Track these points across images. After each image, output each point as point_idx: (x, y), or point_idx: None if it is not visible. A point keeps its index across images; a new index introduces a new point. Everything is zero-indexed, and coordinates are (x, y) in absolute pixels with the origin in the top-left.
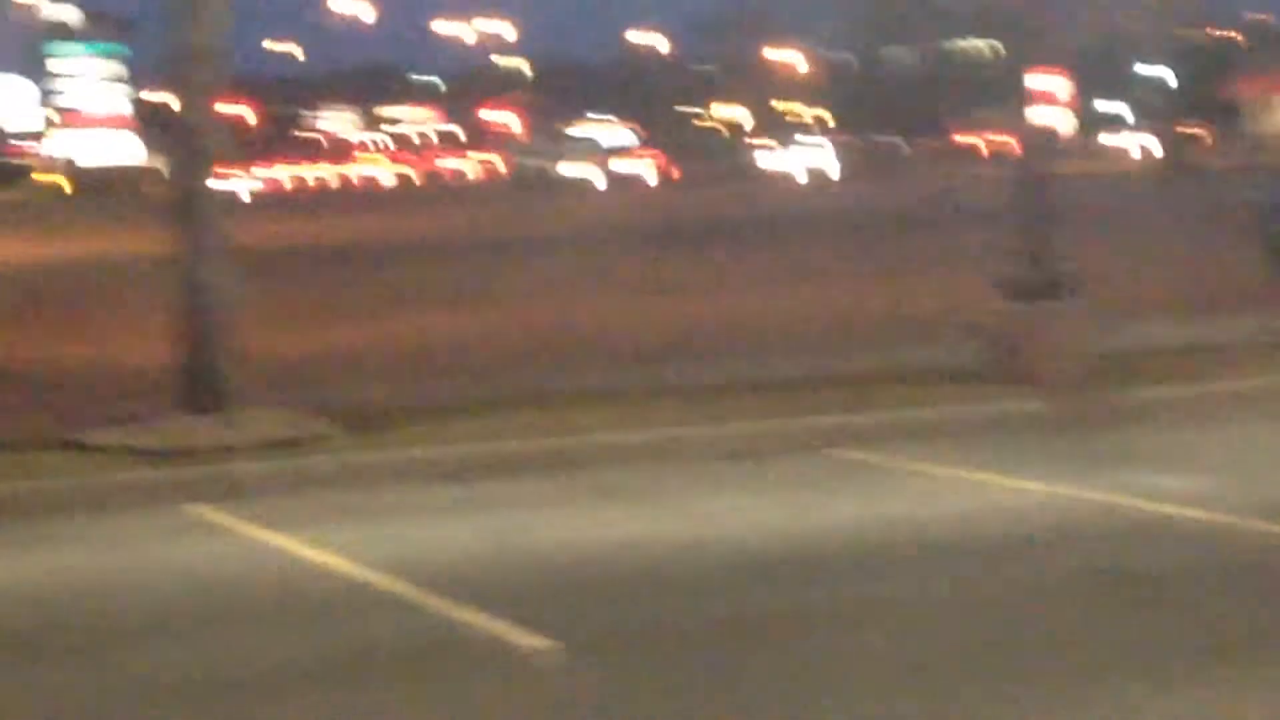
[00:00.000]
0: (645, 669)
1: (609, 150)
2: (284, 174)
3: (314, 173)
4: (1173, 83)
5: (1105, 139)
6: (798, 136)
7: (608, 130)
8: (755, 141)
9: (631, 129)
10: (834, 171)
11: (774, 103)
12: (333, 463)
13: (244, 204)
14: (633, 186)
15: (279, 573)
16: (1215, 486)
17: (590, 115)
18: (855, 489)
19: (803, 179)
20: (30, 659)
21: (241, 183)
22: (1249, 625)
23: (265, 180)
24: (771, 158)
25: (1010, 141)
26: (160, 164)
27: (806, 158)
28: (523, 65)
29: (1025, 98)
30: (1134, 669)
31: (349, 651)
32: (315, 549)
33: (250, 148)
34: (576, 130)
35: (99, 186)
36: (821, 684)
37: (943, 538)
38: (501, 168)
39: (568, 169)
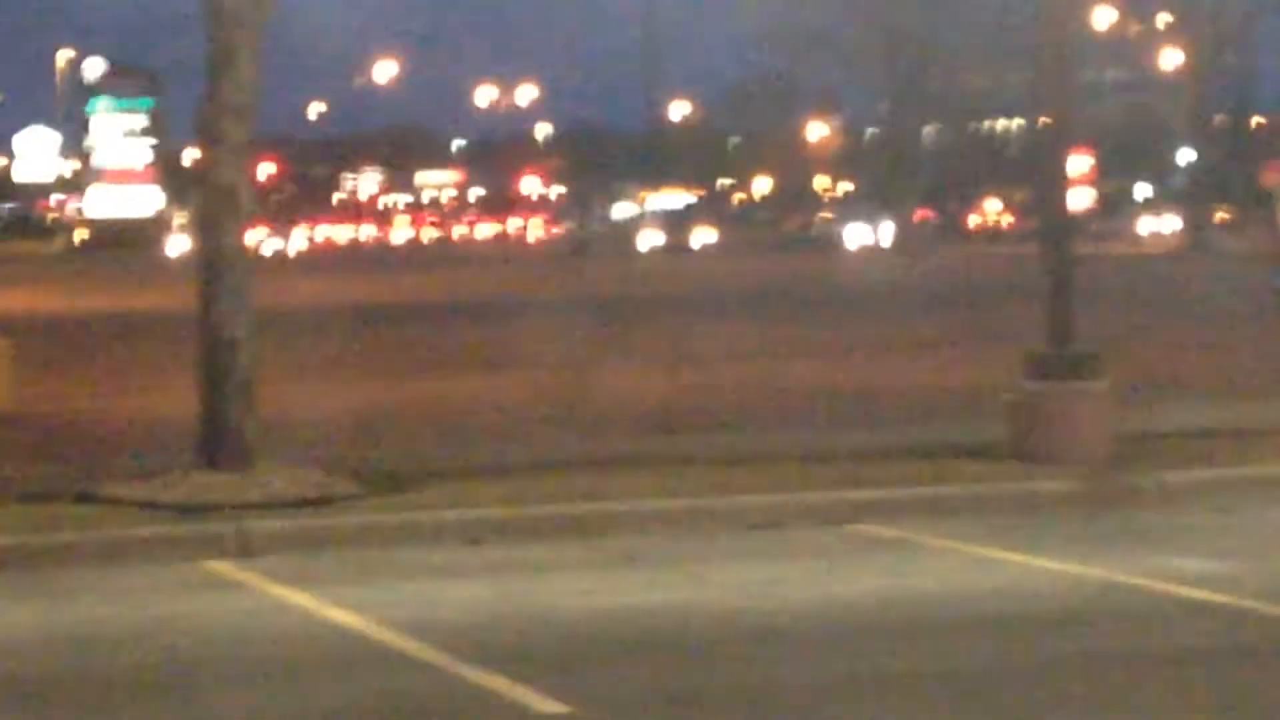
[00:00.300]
0: None
1: (682, 217)
2: (323, 233)
3: (352, 232)
4: (1201, 166)
5: (1136, 221)
6: (851, 209)
7: (677, 198)
8: (823, 214)
9: (698, 196)
10: (886, 242)
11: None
12: (354, 522)
13: (284, 260)
14: (702, 253)
15: (296, 630)
16: (1237, 570)
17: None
18: (878, 564)
19: (854, 248)
20: (38, 711)
21: (278, 240)
22: (1268, 707)
23: (306, 239)
24: (828, 228)
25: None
26: (176, 215)
27: (860, 230)
28: (549, 129)
29: (1056, 178)
30: None
31: (365, 711)
32: (334, 607)
33: (285, 207)
34: (654, 198)
35: (109, 240)
36: None
37: (963, 615)
38: (538, 232)
39: (648, 237)
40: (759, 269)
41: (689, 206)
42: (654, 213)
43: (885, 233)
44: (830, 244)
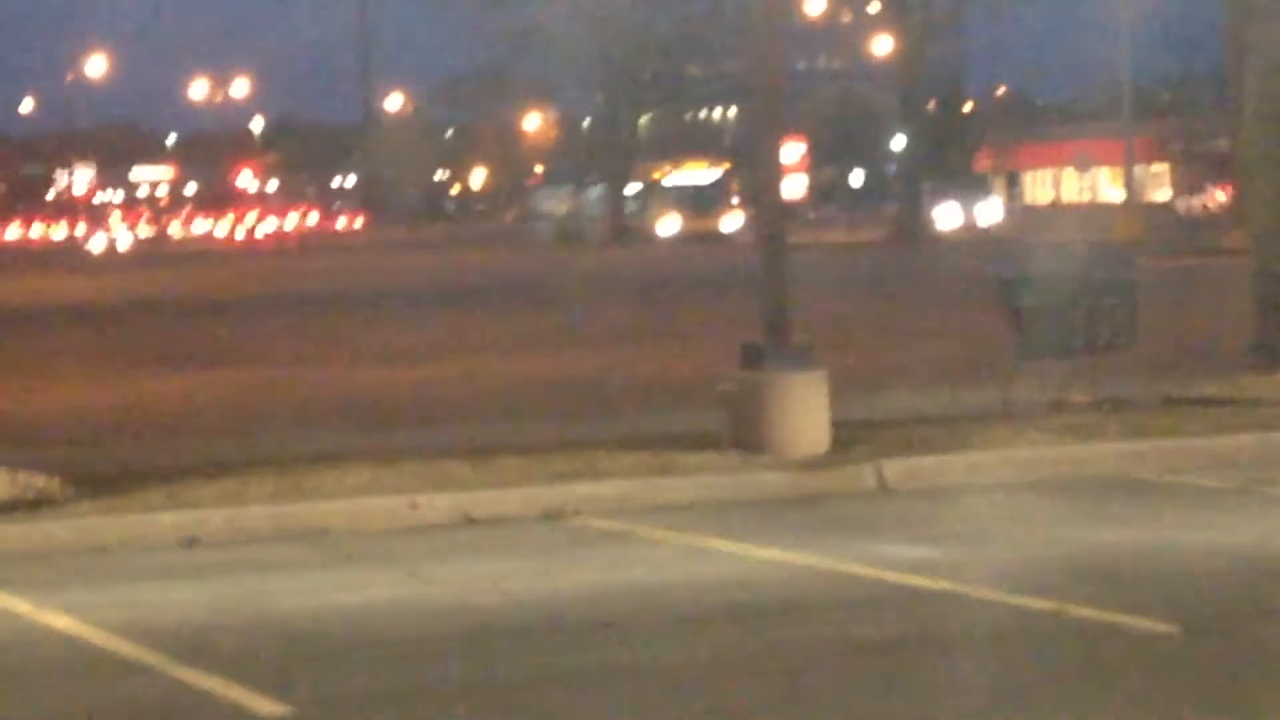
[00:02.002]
0: None
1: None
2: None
3: (60, 231)
4: (913, 152)
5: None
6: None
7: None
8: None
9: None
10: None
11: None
12: (70, 524)
13: None
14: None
15: (12, 636)
16: (954, 557)
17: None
18: (600, 557)
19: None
20: None
21: None
22: (981, 691)
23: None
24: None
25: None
26: None
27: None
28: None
29: (768, 167)
30: None
31: (83, 715)
32: (51, 612)
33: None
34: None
35: None
36: None
37: (683, 606)
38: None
39: (667, 224)
40: (480, 261)
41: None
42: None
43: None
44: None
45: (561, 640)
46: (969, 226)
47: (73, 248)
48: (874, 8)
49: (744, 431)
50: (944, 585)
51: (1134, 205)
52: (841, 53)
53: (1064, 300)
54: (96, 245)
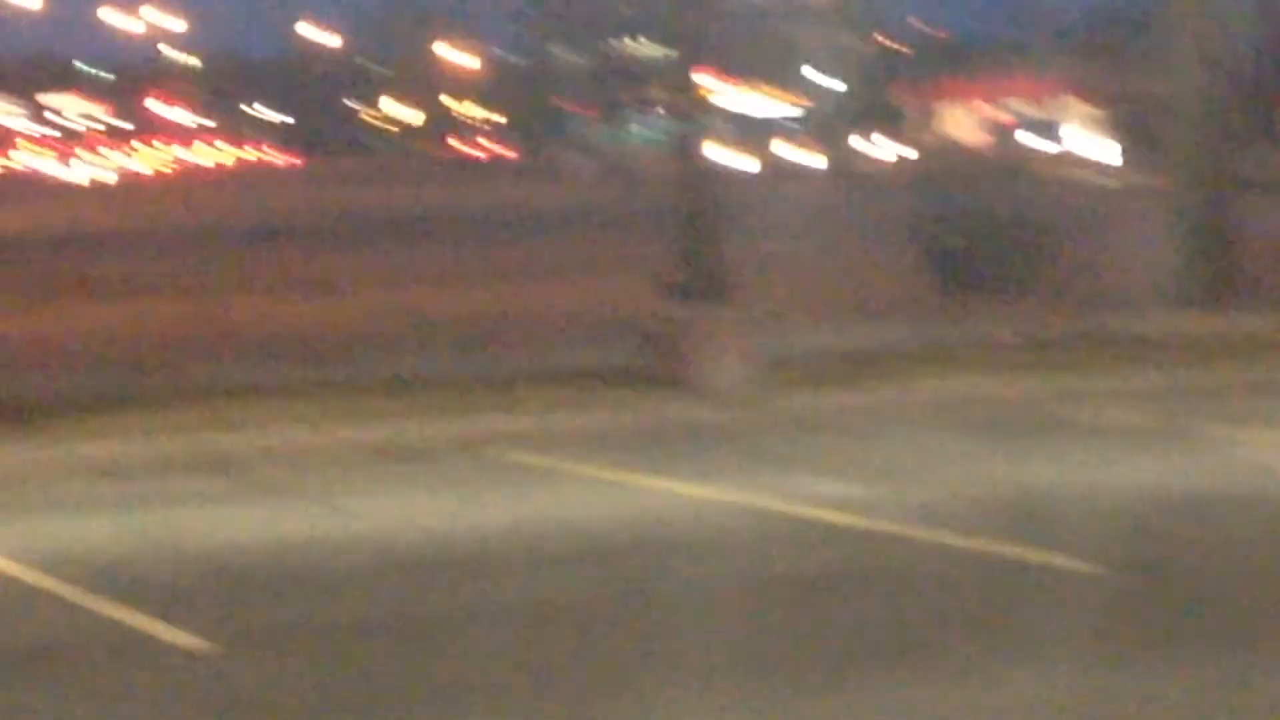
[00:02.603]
0: (292, 667)
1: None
2: None
3: None
4: (843, 90)
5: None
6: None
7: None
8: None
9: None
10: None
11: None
12: None
13: None
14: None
15: None
16: (873, 493)
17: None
18: (515, 491)
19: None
20: None
21: None
22: (891, 628)
23: None
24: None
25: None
26: None
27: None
28: (191, 58)
29: (689, 101)
30: (773, 671)
31: None
32: None
33: None
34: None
35: None
36: (467, 682)
37: (597, 540)
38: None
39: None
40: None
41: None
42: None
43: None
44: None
45: (480, 575)
46: (900, 161)
47: None
48: None
49: (667, 367)
50: (864, 521)
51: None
52: None
53: (990, 239)
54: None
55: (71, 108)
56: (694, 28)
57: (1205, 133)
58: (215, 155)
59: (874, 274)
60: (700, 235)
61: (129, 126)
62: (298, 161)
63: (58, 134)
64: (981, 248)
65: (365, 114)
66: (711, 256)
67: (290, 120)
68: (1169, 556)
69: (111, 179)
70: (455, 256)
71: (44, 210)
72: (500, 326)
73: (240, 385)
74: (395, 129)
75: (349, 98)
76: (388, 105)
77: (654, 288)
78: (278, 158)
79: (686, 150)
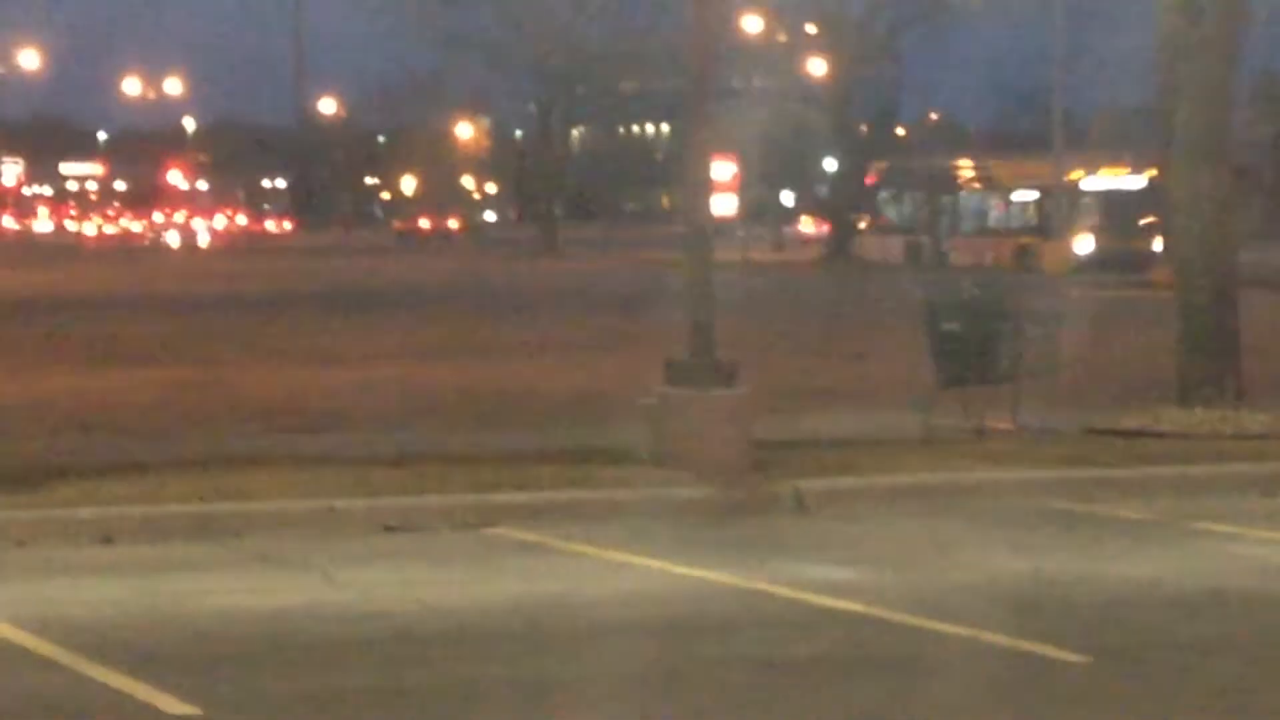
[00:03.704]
0: None
1: None
2: None
3: None
4: (843, 174)
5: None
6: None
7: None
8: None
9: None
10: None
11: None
12: None
13: None
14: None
15: None
16: (870, 579)
17: None
18: (515, 568)
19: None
20: None
21: None
22: (878, 714)
23: None
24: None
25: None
26: None
27: None
28: (193, 123)
29: (697, 183)
30: None
31: None
32: None
33: None
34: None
35: None
36: None
37: (596, 620)
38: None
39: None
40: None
41: None
42: None
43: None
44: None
45: (475, 651)
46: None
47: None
48: (811, 30)
49: (664, 447)
50: (858, 607)
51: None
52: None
53: (988, 327)
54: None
55: (88, 173)
56: (704, 113)
57: (1211, 228)
58: (226, 222)
59: (878, 359)
60: (702, 314)
61: (143, 193)
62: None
63: (75, 200)
64: (983, 335)
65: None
66: (710, 338)
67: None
68: (1161, 649)
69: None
70: (458, 329)
71: (63, 273)
72: (503, 402)
73: (242, 454)
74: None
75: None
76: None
77: (656, 367)
78: (284, 226)
79: (689, 230)
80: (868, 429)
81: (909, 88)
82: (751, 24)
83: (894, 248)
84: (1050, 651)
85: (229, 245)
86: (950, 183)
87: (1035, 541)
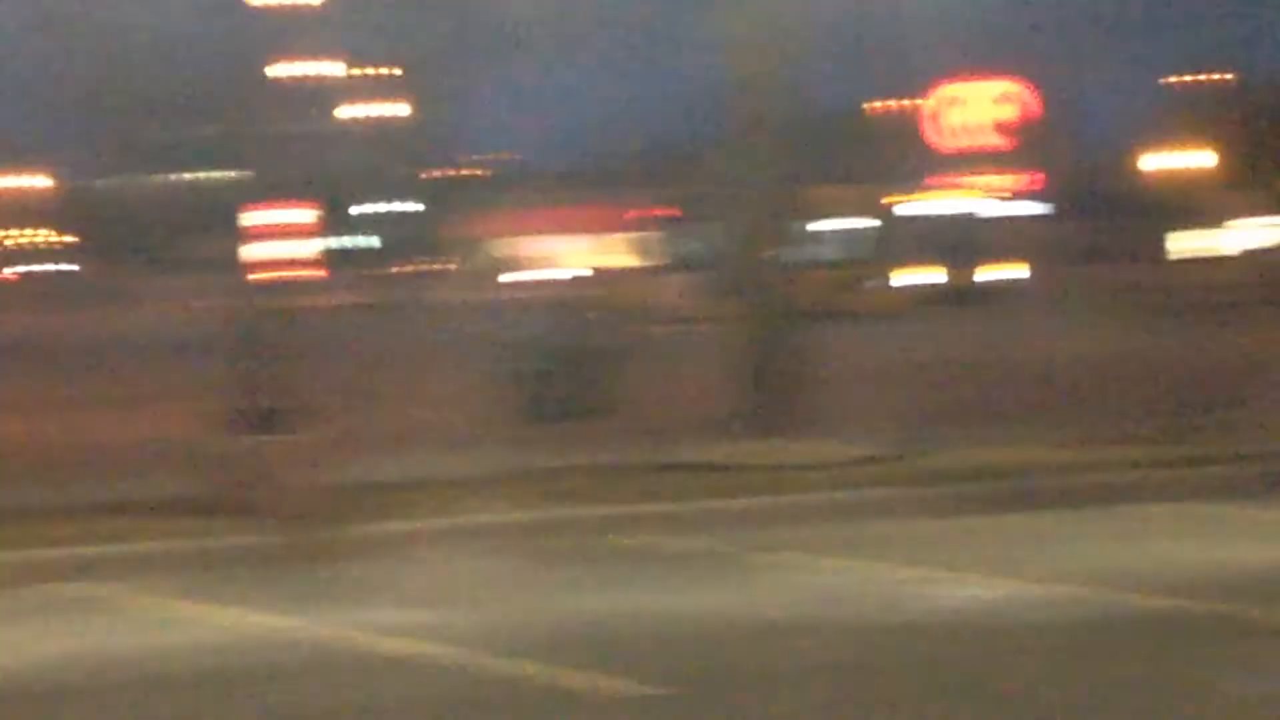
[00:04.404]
0: None
1: None
2: None
3: None
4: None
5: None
6: None
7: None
8: None
9: None
10: None
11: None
12: None
13: None
14: None
15: None
16: (442, 621)
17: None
18: (70, 624)
19: None
20: None
21: None
22: None
23: None
24: None
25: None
26: None
27: None
28: None
29: (248, 231)
30: None
31: None
32: None
33: None
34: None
35: None
36: None
37: (153, 673)
38: None
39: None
40: None
41: None
42: None
43: None
44: None
45: (37, 708)
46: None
47: None
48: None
49: (227, 495)
50: (424, 649)
51: (631, 271)
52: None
53: (557, 364)
54: None
55: None
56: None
57: (757, 263)
58: None
59: (452, 400)
60: (260, 362)
61: None
62: None
63: None
64: (561, 374)
65: None
66: (271, 383)
67: None
68: (741, 679)
69: None
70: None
71: None
72: (68, 455)
73: None
74: None
75: None
76: None
77: (220, 415)
78: None
79: (245, 281)
80: (434, 470)
81: (481, 129)
82: (317, 66)
83: None
84: (633, 687)
85: None
86: None
87: (602, 577)
